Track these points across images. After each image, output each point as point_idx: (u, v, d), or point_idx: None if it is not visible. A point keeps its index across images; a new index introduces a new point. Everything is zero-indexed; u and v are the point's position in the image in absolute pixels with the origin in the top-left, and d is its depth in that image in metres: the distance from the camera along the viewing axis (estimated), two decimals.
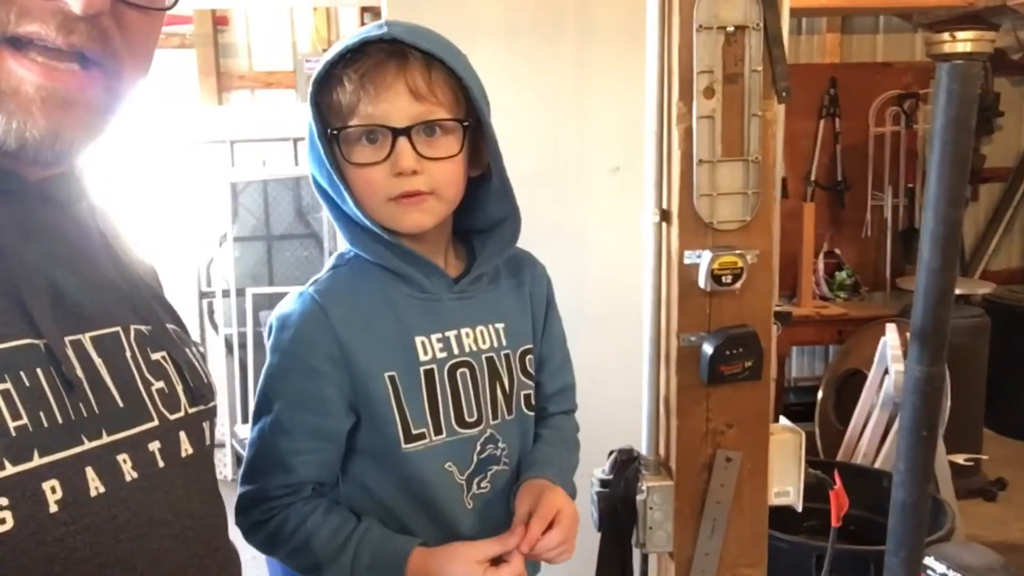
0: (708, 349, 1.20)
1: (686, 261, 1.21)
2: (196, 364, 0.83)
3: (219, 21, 4.41)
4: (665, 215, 1.24)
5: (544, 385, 1.24)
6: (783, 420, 1.37)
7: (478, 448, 1.13)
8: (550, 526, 1.06)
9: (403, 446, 1.07)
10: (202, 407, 0.81)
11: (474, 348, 1.12)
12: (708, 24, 1.15)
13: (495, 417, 1.14)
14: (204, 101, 4.40)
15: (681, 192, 1.20)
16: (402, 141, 1.00)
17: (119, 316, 0.74)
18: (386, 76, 1.00)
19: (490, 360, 1.14)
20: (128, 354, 0.73)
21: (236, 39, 4.48)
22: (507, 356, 1.16)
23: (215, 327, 4.34)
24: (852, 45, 4.83)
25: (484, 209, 1.15)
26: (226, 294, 4.29)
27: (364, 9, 4.27)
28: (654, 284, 1.26)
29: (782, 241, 4.59)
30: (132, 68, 0.73)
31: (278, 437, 1.06)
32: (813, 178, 4.74)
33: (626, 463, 1.31)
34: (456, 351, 1.11)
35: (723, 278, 1.18)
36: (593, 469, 1.36)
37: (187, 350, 0.83)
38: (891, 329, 3.40)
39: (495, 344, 1.14)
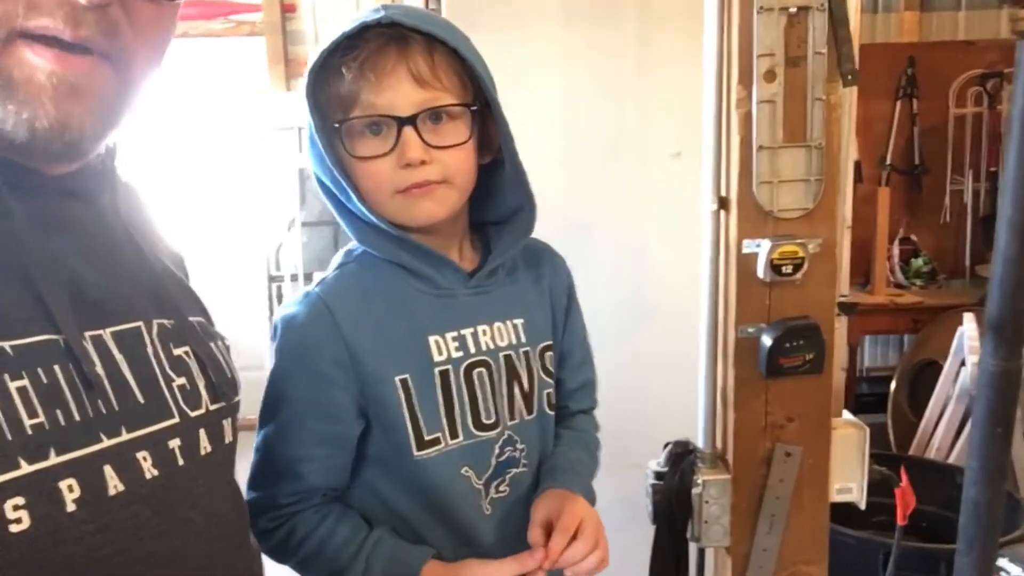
0: (767, 341, 1.17)
1: (745, 250, 1.17)
2: (220, 359, 0.81)
3: (287, 9, 4.47)
4: (723, 203, 1.20)
5: (565, 382, 1.19)
6: (846, 414, 1.33)
7: (496, 451, 1.07)
8: (573, 537, 0.98)
9: (415, 453, 1.02)
10: (223, 404, 0.80)
11: (491, 346, 1.07)
12: (769, 5, 1.11)
13: (513, 417, 1.09)
14: (274, 88, 4.48)
15: (740, 179, 1.17)
16: (408, 131, 0.95)
17: (141, 311, 0.74)
18: (387, 62, 0.95)
19: (508, 358, 1.08)
20: (150, 350, 0.72)
21: (304, 26, 4.53)
22: (526, 353, 1.10)
23: None
24: (932, 23, 4.64)
25: (498, 198, 1.10)
26: (294, 279, 4.37)
27: None
28: (712, 274, 1.23)
29: (855, 227, 4.45)
30: (143, 59, 0.71)
31: (285, 443, 1.02)
32: (889, 162, 4.58)
33: (682, 455, 1.29)
34: (473, 350, 1.05)
35: (783, 268, 1.15)
36: (648, 461, 1.34)
37: (212, 344, 0.81)
38: (968, 319, 3.27)
39: (513, 341, 1.09)
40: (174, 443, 0.71)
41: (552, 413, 1.14)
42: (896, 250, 4.54)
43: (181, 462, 0.72)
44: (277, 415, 1.02)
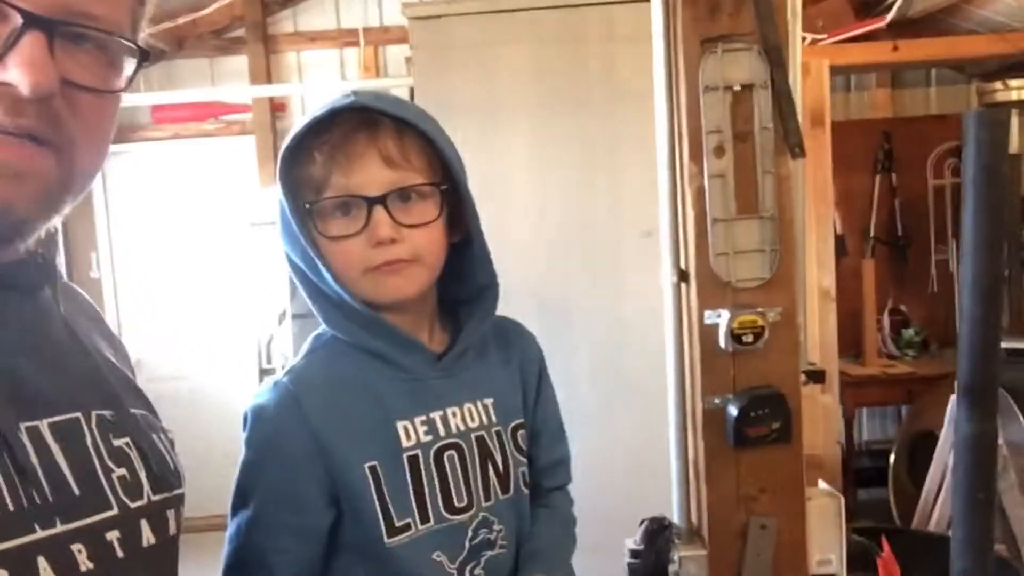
0: (733, 411, 1.17)
1: (706, 321, 1.18)
2: (163, 451, 0.80)
3: (276, 108, 4.60)
4: (683, 275, 1.22)
5: (538, 458, 1.16)
6: (822, 484, 1.32)
7: (469, 534, 1.05)
8: None
9: (386, 541, 1.00)
10: (166, 495, 0.78)
11: (462, 428, 1.06)
12: (714, 84, 1.16)
13: (488, 499, 1.07)
14: (263, 184, 4.57)
15: (698, 251, 1.19)
16: (378, 210, 0.97)
17: (80, 402, 0.73)
18: (356, 145, 0.97)
19: (480, 439, 1.07)
20: (88, 440, 0.71)
21: (293, 124, 4.65)
22: (498, 433, 1.09)
23: None
24: (904, 99, 4.77)
25: (467, 277, 1.10)
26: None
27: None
28: (676, 346, 1.24)
29: (843, 299, 4.47)
30: (87, 150, 0.72)
31: (255, 534, 1.00)
32: (872, 234, 4.64)
33: (658, 532, 1.27)
34: (443, 433, 1.04)
35: (744, 337, 1.16)
36: (625, 539, 1.32)
37: (154, 436, 0.80)
38: None
39: (484, 421, 1.08)
40: (112, 535, 0.70)
41: (527, 491, 1.13)
42: (887, 321, 4.56)
43: (120, 554, 0.70)
44: (247, 505, 1.01)
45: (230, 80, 4.61)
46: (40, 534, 0.64)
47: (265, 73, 4.55)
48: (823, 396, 3.55)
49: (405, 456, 1.01)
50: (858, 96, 4.80)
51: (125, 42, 0.74)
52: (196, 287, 4.64)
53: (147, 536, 0.74)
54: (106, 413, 0.75)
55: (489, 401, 1.09)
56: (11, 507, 0.63)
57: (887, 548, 1.31)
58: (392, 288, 1.00)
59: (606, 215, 1.88)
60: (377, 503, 0.99)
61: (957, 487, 1.53)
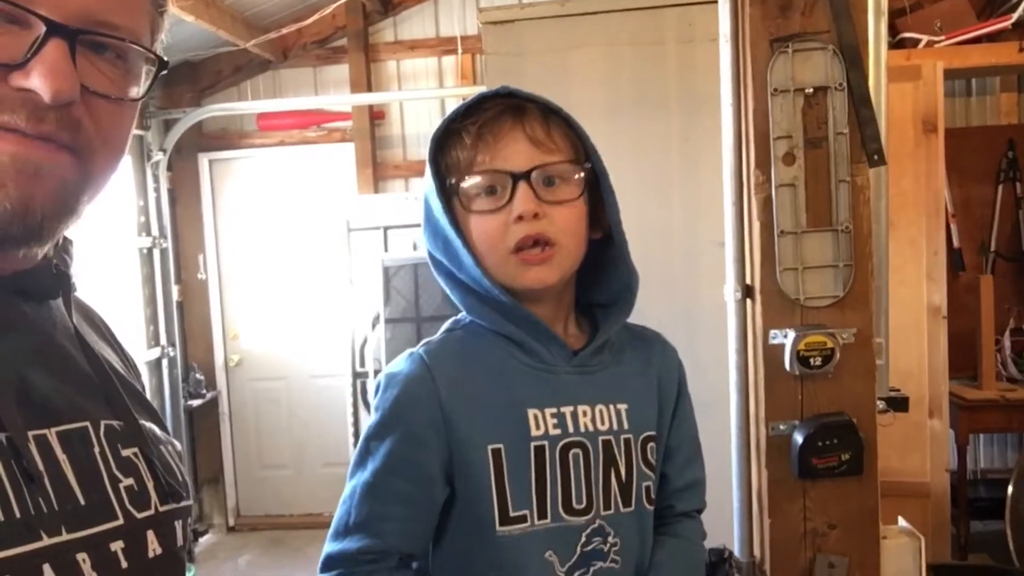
0: (798, 439, 1.08)
1: (771, 341, 1.10)
2: (171, 462, 0.79)
3: (376, 116, 4.67)
4: (748, 291, 1.14)
5: (671, 479, 1.11)
6: (901, 521, 1.21)
7: (583, 539, 1.01)
8: None
9: (498, 528, 0.98)
10: (174, 506, 0.77)
11: (591, 428, 1.02)
12: (784, 87, 1.07)
13: (607, 507, 1.03)
14: (362, 190, 4.65)
15: (763, 266, 1.10)
16: (522, 185, 0.97)
17: (89, 411, 0.72)
18: (503, 125, 0.98)
19: (607, 443, 1.03)
20: (96, 450, 0.71)
21: (392, 131, 4.72)
22: (627, 441, 1.04)
23: (367, 406, 4.47)
24: None
25: (606, 278, 1.08)
26: (378, 374, 4.42)
27: None
28: (739, 366, 1.16)
29: (959, 317, 4.20)
30: (104, 155, 0.73)
31: (369, 499, 1.01)
32: (993, 248, 4.34)
33: (717, 565, 1.19)
34: (571, 429, 1.01)
35: (811, 360, 1.07)
36: None
37: (162, 448, 0.79)
38: None
39: (615, 426, 1.04)
40: (116, 545, 0.69)
41: (651, 508, 1.07)
42: (1007, 342, 4.25)
43: (124, 564, 0.69)
44: (365, 468, 1.02)
45: (332, 88, 4.71)
46: (46, 542, 0.64)
47: (365, 81, 4.63)
48: (931, 421, 3.33)
49: (532, 445, 0.99)
50: (980, 101, 4.51)
51: (144, 51, 0.74)
52: (296, 290, 4.76)
53: (153, 547, 0.73)
54: (115, 423, 0.75)
55: (623, 407, 1.05)
56: (18, 514, 0.63)
57: None
58: (534, 276, 0.99)
59: (681, 223, 1.80)
60: (495, 488, 0.98)
61: None
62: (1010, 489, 3.79)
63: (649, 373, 1.09)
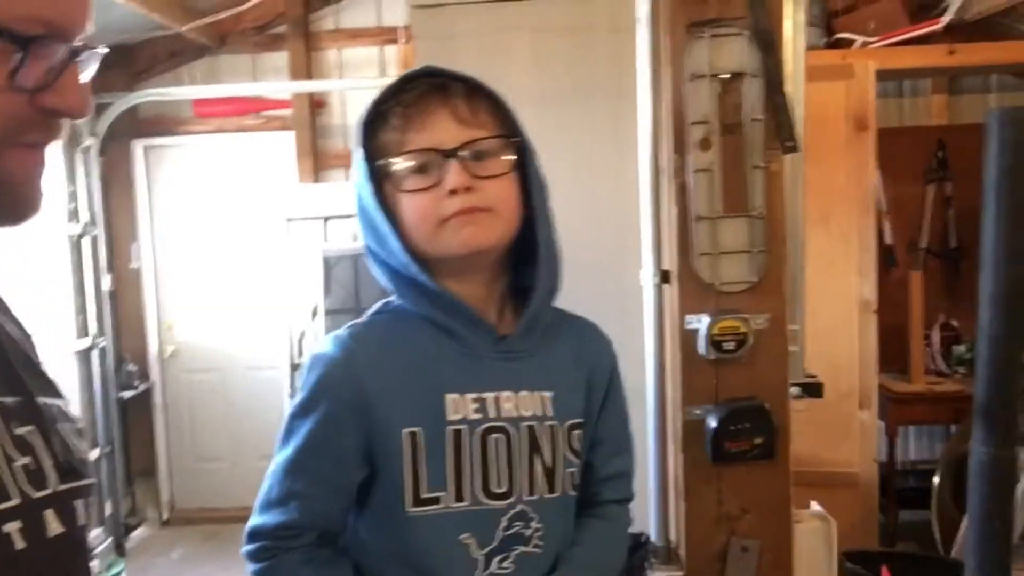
0: (712, 423, 1.08)
1: (686, 326, 1.10)
2: (70, 440, 0.78)
3: (316, 104, 4.60)
4: (665, 276, 1.14)
5: (597, 468, 1.12)
6: (814, 506, 1.22)
7: (504, 523, 1.02)
8: None
9: (408, 508, 1.00)
10: (74, 484, 0.75)
11: (513, 414, 1.03)
12: (701, 72, 1.07)
13: (531, 492, 1.04)
14: (302, 179, 4.58)
15: (680, 251, 1.11)
16: (452, 163, 0.97)
17: None
18: (429, 104, 0.99)
19: (531, 429, 1.04)
20: None
21: (333, 121, 4.65)
22: (552, 428, 1.05)
23: None
24: (962, 106, 4.56)
25: (534, 261, 1.06)
26: None
27: None
28: (656, 352, 1.16)
29: (890, 312, 4.29)
30: None
31: (288, 476, 1.02)
32: (924, 246, 4.45)
33: (633, 549, 1.19)
34: (492, 414, 1.02)
35: (725, 344, 1.07)
36: None
37: (61, 425, 0.78)
38: None
39: (539, 413, 1.05)
40: (11, 526, 0.67)
41: (574, 495, 1.08)
42: (937, 337, 4.36)
43: (21, 546, 0.67)
44: (287, 446, 1.02)
45: (271, 76, 4.63)
46: None
47: (306, 69, 4.55)
48: (861, 413, 3.41)
49: (449, 429, 1.00)
50: (912, 102, 4.61)
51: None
52: (234, 280, 4.67)
53: (52, 527, 0.71)
54: (8, 400, 0.73)
55: (548, 394, 1.06)
56: None
57: None
58: (468, 236, 0.99)
59: (609, 211, 1.79)
60: (408, 469, 0.99)
61: (972, 515, 1.42)
62: (935, 479, 3.89)
63: (579, 363, 1.10)
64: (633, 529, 1.26)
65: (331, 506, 1.03)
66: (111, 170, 4.60)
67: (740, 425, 1.07)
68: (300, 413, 1.02)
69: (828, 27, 4.11)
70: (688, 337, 1.10)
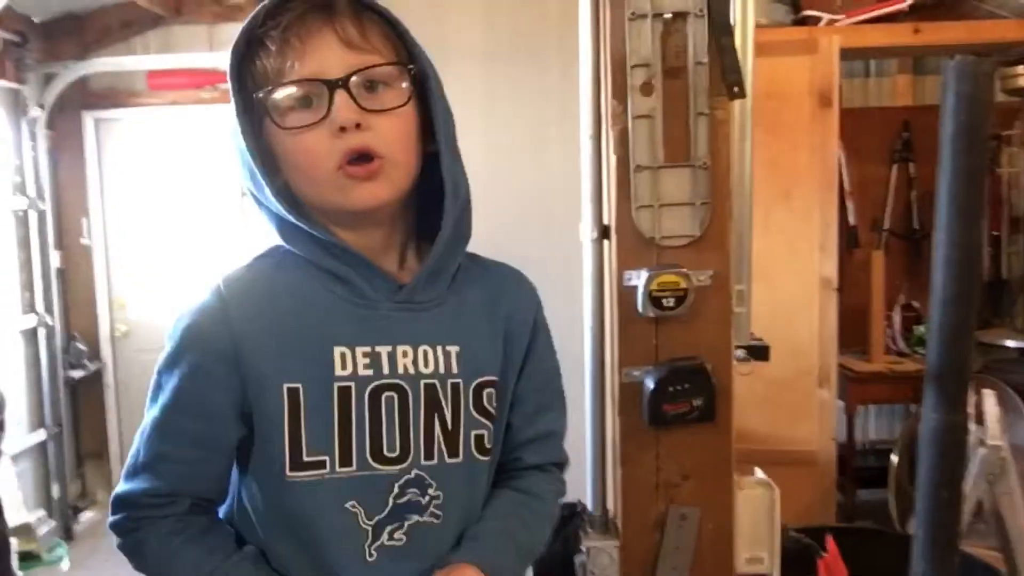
0: (649, 384, 1.02)
1: (626, 283, 1.04)
2: None
3: None
4: (605, 231, 1.08)
5: (517, 429, 1.01)
6: (758, 472, 1.17)
7: (395, 491, 0.92)
8: None
9: (288, 473, 0.89)
10: None
11: (411, 371, 0.93)
12: (642, 11, 1.01)
13: (429, 457, 0.94)
14: None
15: (619, 204, 1.04)
16: (340, 94, 0.86)
17: None
18: (311, 26, 0.86)
19: (430, 388, 0.94)
20: None
21: None
22: (455, 386, 0.95)
23: None
24: (926, 87, 4.55)
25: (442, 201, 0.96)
26: None
27: None
28: (596, 310, 1.10)
29: (852, 292, 4.27)
30: None
31: (156, 438, 0.92)
32: (887, 227, 4.44)
33: (567, 519, 1.13)
34: (386, 371, 0.92)
35: (664, 301, 1.01)
36: None
37: None
38: (988, 394, 2.97)
39: (441, 370, 0.94)
40: None
41: (485, 459, 0.97)
42: (898, 317, 4.36)
43: None
44: (156, 404, 0.91)
45: (228, 47, 4.50)
46: None
47: None
48: (820, 391, 3.39)
49: (336, 386, 0.90)
50: (877, 83, 4.60)
51: None
52: (188, 258, 4.55)
53: None
54: None
55: (454, 349, 0.95)
56: None
57: (833, 549, 1.16)
58: (365, 192, 0.88)
59: (562, 170, 1.73)
60: (287, 429, 0.89)
61: (921, 483, 1.38)
62: (893, 458, 3.90)
63: (495, 312, 0.99)
64: (569, 498, 1.20)
65: (204, 469, 0.93)
66: (60, 143, 4.46)
67: (679, 386, 1.01)
68: (166, 367, 0.92)
69: (795, 4, 4.08)
70: (627, 295, 1.04)
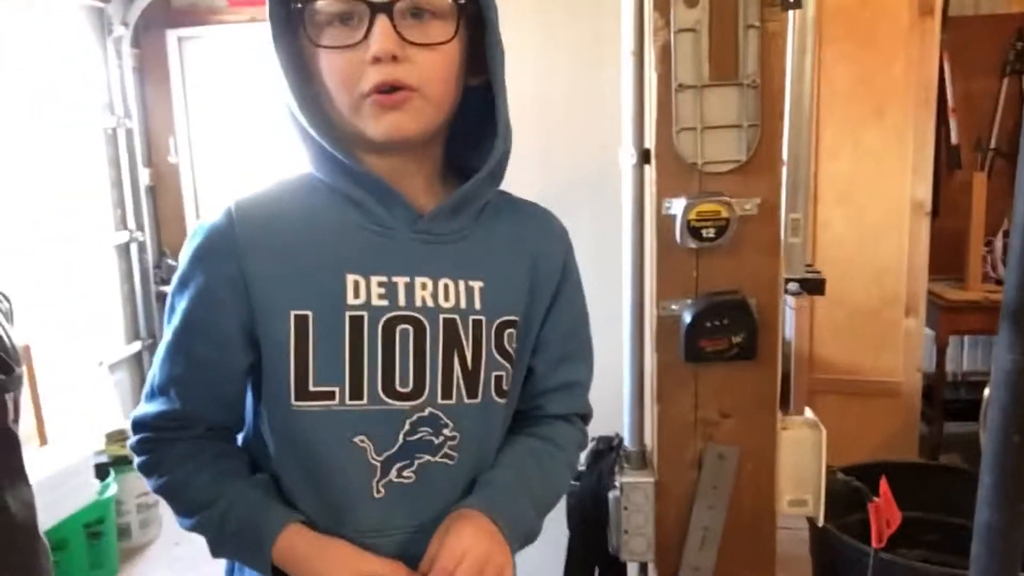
0: (686, 318, 0.97)
1: (664, 211, 0.98)
2: None
3: None
4: (646, 155, 1.01)
5: (540, 376, 0.98)
6: (808, 413, 1.11)
7: (407, 427, 0.90)
8: None
9: (293, 403, 0.87)
10: (1, 377, 0.70)
11: (430, 304, 0.89)
12: None
13: (446, 396, 0.90)
14: None
15: (659, 126, 0.97)
16: (381, 19, 0.81)
17: None
18: None
19: (450, 323, 0.90)
20: None
21: None
22: (476, 323, 0.91)
23: None
24: None
25: (481, 134, 0.92)
26: None
27: None
28: (635, 240, 1.04)
29: (952, 216, 4.05)
30: None
31: (169, 360, 0.91)
32: (993, 145, 4.15)
33: (603, 453, 1.10)
34: (403, 302, 0.88)
35: (704, 232, 0.95)
36: None
37: None
38: None
39: (462, 305, 0.90)
40: None
41: (503, 402, 0.94)
42: (999, 243, 4.11)
43: None
44: (168, 327, 0.91)
45: None
46: None
47: None
48: (907, 320, 3.23)
49: (348, 315, 0.87)
50: None
51: None
52: (271, 172, 4.61)
53: None
54: None
55: (477, 284, 0.91)
56: None
57: (886, 492, 1.10)
58: (390, 123, 0.85)
59: (591, 86, 1.62)
60: (294, 357, 0.87)
61: (992, 428, 1.29)
62: (986, 392, 3.71)
63: (522, 251, 0.94)
64: (606, 431, 1.17)
65: (214, 393, 0.92)
66: (146, 62, 4.54)
67: (717, 322, 0.95)
68: (178, 288, 0.91)
69: None
70: (666, 223, 0.98)
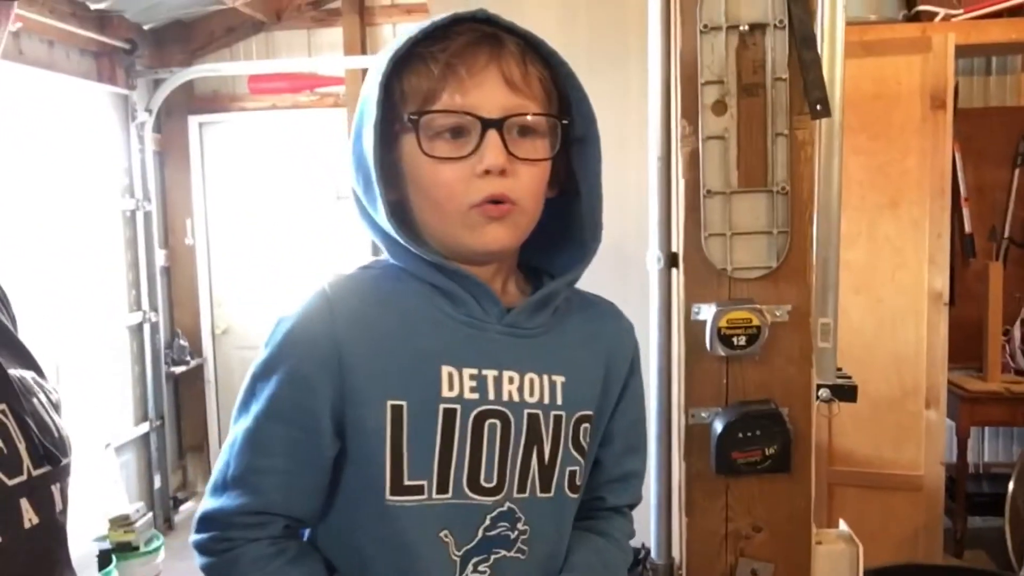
0: (717, 428, 0.94)
1: (694, 317, 0.96)
2: (46, 417, 0.70)
3: None
4: (674, 259, 1.00)
5: (606, 468, 0.98)
6: (842, 525, 1.07)
7: (487, 522, 0.89)
8: None
9: (388, 497, 0.85)
10: (49, 468, 0.69)
11: (516, 398, 0.89)
12: (716, 23, 0.92)
13: (522, 490, 0.90)
14: None
15: (687, 231, 0.96)
16: (492, 134, 0.83)
17: None
18: (478, 59, 0.83)
19: (533, 418, 0.90)
20: None
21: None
22: (557, 419, 0.91)
23: None
24: None
25: (561, 237, 0.95)
26: None
27: None
28: (662, 345, 1.02)
29: (968, 305, 4.03)
30: None
31: (249, 449, 0.87)
32: (1007, 235, 4.16)
33: (631, 566, 1.06)
34: (492, 396, 0.88)
35: (735, 339, 0.93)
36: None
37: (36, 400, 0.70)
38: None
39: (546, 400, 0.91)
40: None
41: (575, 497, 0.94)
42: (1017, 332, 4.08)
43: None
44: (248, 413, 0.87)
45: (327, 52, 4.58)
46: None
47: (360, 45, 4.48)
48: (928, 411, 3.17)
49: (442, 407, 0.86)
50: (999, 81, 4.30)
51: None
52: (285, 258, 4.65)
53: (28, 517, 0.66)
54: None
55: (559, 379, 0.92)
56: None
57: None
58: (492, 235, 0.86)
59: (636, 182, 1.63)
60: (390, 449, 0.85)
61: None
62: (1011, 486, 3.64)
63: (596, 346, 0.95)
64: (633, 543, 1.13)
65: (299, 483, 0.87)
66: (167, 146, 4.63)
67: (750, 432, 0.92)
68: (264, 373, 0.87)
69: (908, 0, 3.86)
70: (695, 329, 0.96)
